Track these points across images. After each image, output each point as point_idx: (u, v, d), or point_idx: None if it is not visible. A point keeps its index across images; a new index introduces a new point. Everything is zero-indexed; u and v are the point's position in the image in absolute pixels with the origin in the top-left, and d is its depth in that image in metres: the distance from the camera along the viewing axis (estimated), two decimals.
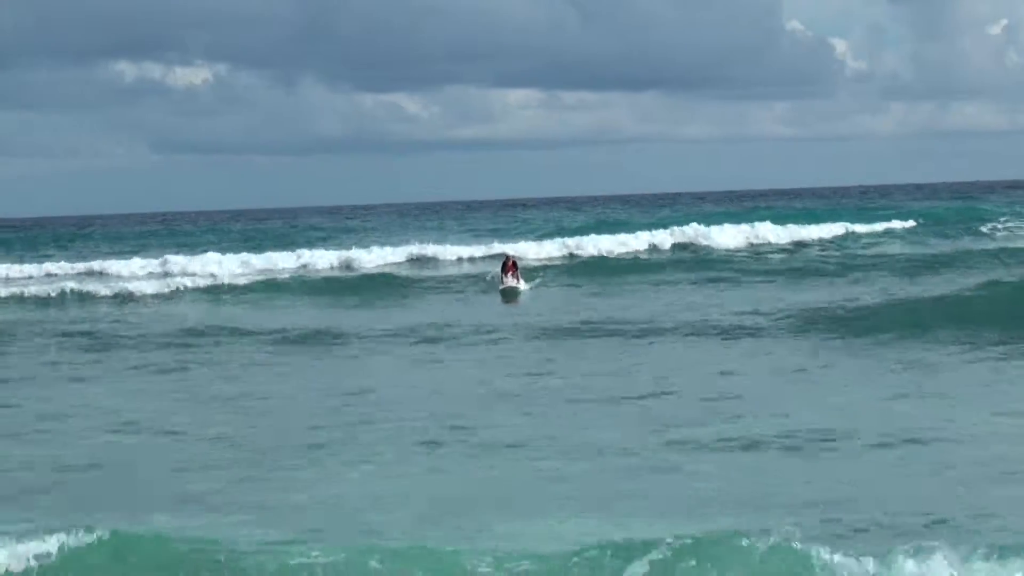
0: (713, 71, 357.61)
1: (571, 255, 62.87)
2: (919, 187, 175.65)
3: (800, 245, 64.70)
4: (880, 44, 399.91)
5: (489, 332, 32.60)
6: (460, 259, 64.83)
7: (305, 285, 51.17)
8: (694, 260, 56.61)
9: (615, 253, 62.65)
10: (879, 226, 72.19)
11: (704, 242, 64.70)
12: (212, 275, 57.72)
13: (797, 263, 52.48)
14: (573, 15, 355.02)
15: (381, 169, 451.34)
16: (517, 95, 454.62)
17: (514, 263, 46.74)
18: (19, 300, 49.93)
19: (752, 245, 64.64)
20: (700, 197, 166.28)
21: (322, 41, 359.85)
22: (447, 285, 49.67)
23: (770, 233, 67.15)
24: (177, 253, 68.70)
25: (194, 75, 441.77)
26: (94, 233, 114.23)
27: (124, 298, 48.87)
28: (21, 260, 73.15)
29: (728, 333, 30.44)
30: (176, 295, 50.01)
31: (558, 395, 22.72)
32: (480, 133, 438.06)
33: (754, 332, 30.31)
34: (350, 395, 23.30)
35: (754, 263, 53.74)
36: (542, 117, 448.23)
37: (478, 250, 66.15)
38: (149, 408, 22.62)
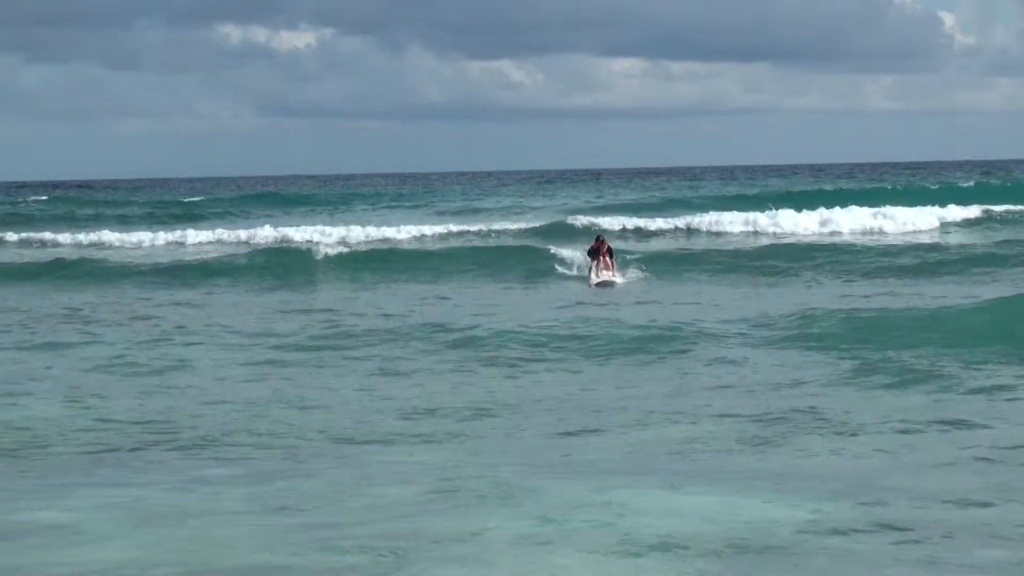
0: (821, 43, 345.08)
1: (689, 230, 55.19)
2: None
3: None
4: (989, 18, 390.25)
5: None
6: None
7: None
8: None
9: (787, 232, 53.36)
10: None
11: None
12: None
13: None
14: None
15: (485, 136, 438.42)
16: (623, 64, 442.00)
17: (609, 248, 36.51)
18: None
19: None
20: (819, 170, 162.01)
21: (427, 7, 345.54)
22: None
23: None
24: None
25: (298, 39, 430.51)
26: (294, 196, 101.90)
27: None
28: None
29: None
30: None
31: None
32: (585, 102, 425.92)
33: None
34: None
35: None
36: (648, 86, 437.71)
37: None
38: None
